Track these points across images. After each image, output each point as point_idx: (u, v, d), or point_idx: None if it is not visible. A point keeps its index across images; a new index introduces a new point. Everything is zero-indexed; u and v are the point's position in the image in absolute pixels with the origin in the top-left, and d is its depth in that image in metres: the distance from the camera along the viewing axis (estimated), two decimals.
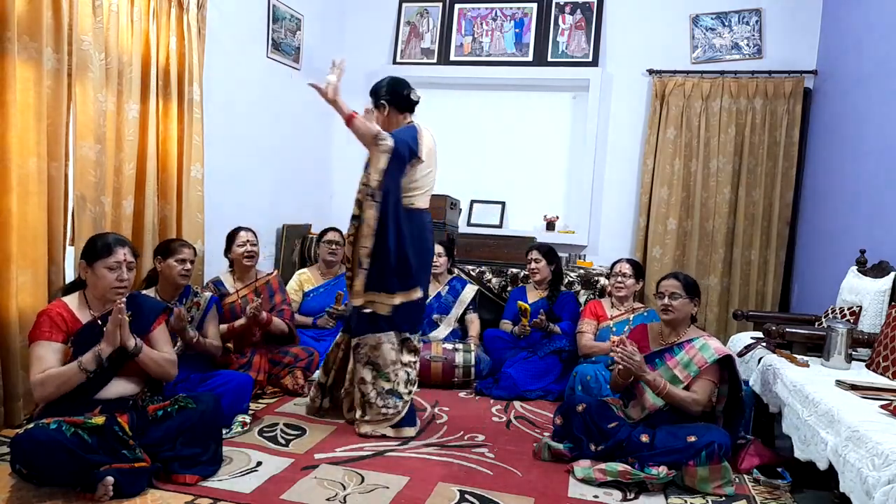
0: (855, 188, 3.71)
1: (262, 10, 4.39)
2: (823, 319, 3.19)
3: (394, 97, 2.89)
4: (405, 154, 2.71)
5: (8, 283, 2.56)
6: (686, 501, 2.36)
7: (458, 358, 3.69)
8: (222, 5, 3.90)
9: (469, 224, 5.15)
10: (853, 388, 2.32)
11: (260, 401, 3.22)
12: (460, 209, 4.89)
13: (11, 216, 2.55)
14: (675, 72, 4.79)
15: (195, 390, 2.67)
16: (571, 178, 5.19)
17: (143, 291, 2.86)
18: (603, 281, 4.35)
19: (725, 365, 2.65)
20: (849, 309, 3.08)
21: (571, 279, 4.47)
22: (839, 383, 2.38)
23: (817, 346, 2.82)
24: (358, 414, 2.85)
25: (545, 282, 4.00)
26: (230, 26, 4.05)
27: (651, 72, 4.84)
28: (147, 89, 3.25)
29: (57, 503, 2.04)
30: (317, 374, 3.53)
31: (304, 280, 4.04)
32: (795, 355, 2.81)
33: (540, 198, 5.18)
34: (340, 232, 3.87)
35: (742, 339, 3.45)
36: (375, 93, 2.92)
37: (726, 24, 4.76)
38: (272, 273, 3.60)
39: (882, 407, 2.09)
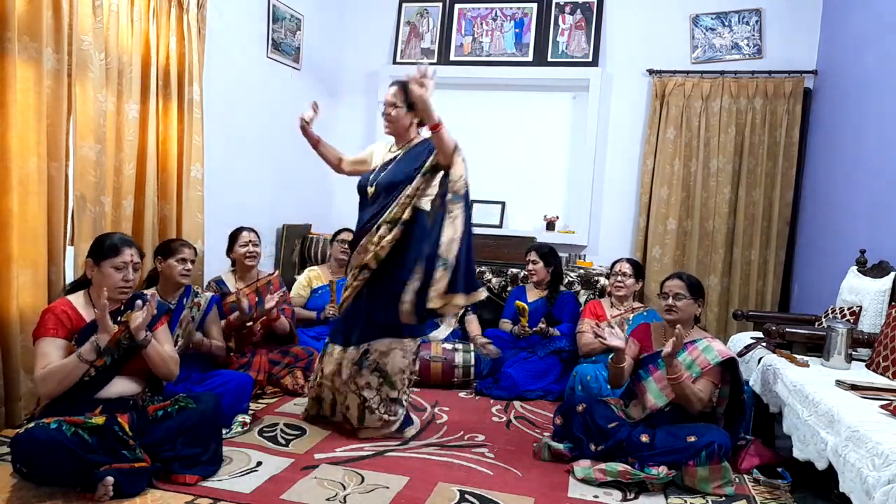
0: (855, 188, 3.71)
1: (262, 10, 4.39)
2: (823, 319, 3.19)
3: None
4: None
5: (9, 283, 2.56)
6: (686, 501, 2.36)
7: (458, 358, 3.69)
8: (222, 5, 3.90)
9: None
10: (853, 388, 2.32)
11: (260, 401, 3.22)
12: None
13: (12, 216, 2.55)
14: (675, 72, 4.79)
15: (195, 390, 2.68)
16: (571, 178, 5.19)
17: (144, 291, 2.86)
18: (603, 281, 4.35)
19: (728, 367, 2.65)
20: (849, 309, 3.08)
21: (571, 279, 4.47)
22: (839, 383, 2.38)
23: (817, 346, 2.82)
24: (355, 423, 2.80)
25: (544, 282, 4.00)
26: (230, 26, 4.05)
27: (651, 72, 4.84)
28: (147, 89, 3.25)
29: (57, 503, 2.04)
30: None
31: (314, 277, 4.06)
32: (795, 355, 2.81)
33: (540, 198, 5.18)
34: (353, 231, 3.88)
35: (742, 339, 3.45)
36: (405, 89, 2.79)
37: (726, 24, 4.76)
38: (274, 273, 3.61)
39: (882, 407, 2.10)
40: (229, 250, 3.49)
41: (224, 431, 2.58)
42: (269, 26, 4.44)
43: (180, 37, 3.41)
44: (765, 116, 4.62)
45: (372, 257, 2.73)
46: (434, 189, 2.74)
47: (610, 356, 2.71)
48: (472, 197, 2.80)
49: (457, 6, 5.27)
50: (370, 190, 2.84)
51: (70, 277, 2.86)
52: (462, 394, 3.60)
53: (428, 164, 2.73)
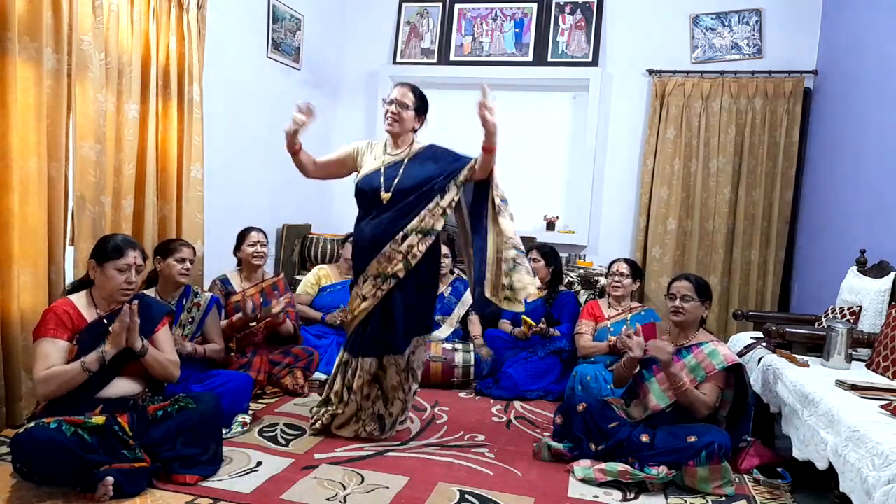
0: (855, 188, 3.71)
1: (262, 10, 4.39)
2: (823, 319, 3.19)
3: (425, 106, 2.92)
4: None
5: (10, 283, 2.56)
6: (686, 501, 2.36)
7: (458, 358, 3.69)
8: (222, 5, 3.89)
9: None
10: (853, 388, 2.32)
11: (260, 401, 3.21)
12: None
13: (13, 216, 2.55)
14: (675, 72, 4.79)
15: (195, 390, 2.68)
16: (571, 177, 5.19)
17: (144, 291, 2.86)
18: (603, 281, 4.35)
19: (733, 371, 2.65)
20: (849, 309, 3.08)
21: (571, 279, 4.47)
22: (839, 383, 2.38)
23: (817, 347, 2.82)
24: (388, 427, 2.81)
25: (543, 282, 4.00)
26: (230, 26, 4.05)
27: (651, 72, 4.84)
28: (147, 89, 3.25)
29: (57, 503, 2.04)
30: (317, 375, 3.55)
31: (323, 276, 4.08)
32: (795, 355, 2.80)
33: (540, 198, 5.18)
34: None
35: (742, 339, 3.45)
36: (422, 98, 2.90)
37: (726, 24, 4.76)
38: (279, 275, 3.62)
39: (882, 407, 2.10)
40: (237, 249, 3.50)
41: (224, 431, 2.58)
42: (269, 26, 4.44)
43: (180, 37, 3.41)
44: (765, 116, 4.62)
45: (402, 266, 2.71)
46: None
47: (611, 358, 2.69)
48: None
49: (457, 6, 5.27)
50: (385, 195, 2.75)
51: (70, 278, 2.86)
52: (462, 394, 3.60)
53: (462, 176, 2.76)
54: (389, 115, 2.81)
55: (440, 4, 5.28)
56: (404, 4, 5.37)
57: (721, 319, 4.70)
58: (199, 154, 3.57)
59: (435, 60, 5.27)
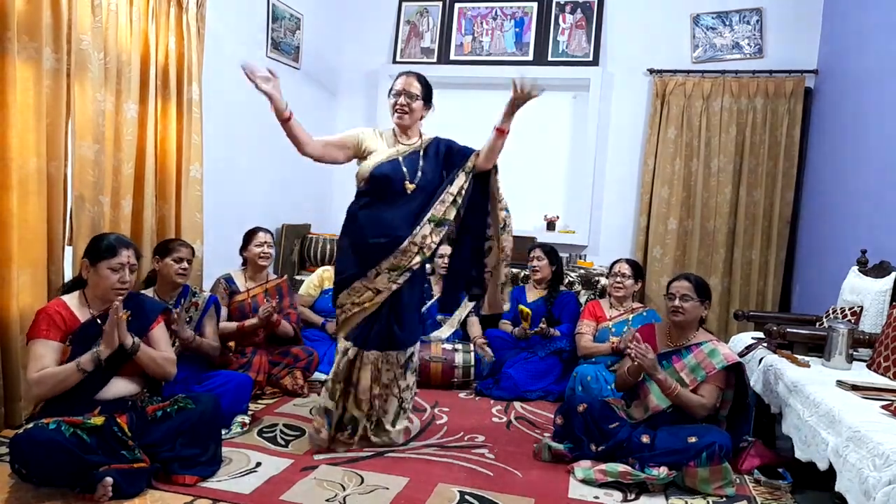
0: (856, 188, 3.70)
1: (261, 10, 4.38)
2: (824, 319, 3.19)
3: (430, 93, 2.88)
4: None
5: (9, 283, 2.55)
6: (686, 502, 2.35)
7: (458, 358, 3.68)
8: (222, 5, 3.89)
9: None
10: (854, 388, 2.31)
11: (259, 401, 3.21)
12: None
13: (12, 216, 2.55)
14: (675, 71, 4.78)
15: (194, 390, 2.67)
16: (571, 177, 5.18)
17: (142, 291, 2.85)
18: (603, 281, 4.34)
19: (733, 371, 2.64)
20: (850, 309, 3.07)
21: (572, 279, 4.47)
22: (840, 384, 2.37)
23: (818, 347, 2.81)
24: (389, 426, 2.73)
25: (545, 281, 4.00)
26: (230, 26, 4.04)
27: (652, 71, 4.84)
28: (146, 89, 3.24)
29: None
30: (316, 375, 3.54)
31: (326, 278, 4.08)
32: (796, 355, 2.80)
33: (540, 198, 5.17)
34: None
35: (743, 339, 3.44)
36: (428, 85, 2.83)
37: (727, 23, 4.76)
38: (283, 277, 3.63)
39: (883, 407, 2.09)
40: (243, 249, 3.49)
41: (223, 432, 2.57)
42: (268, 25, 4.44)
43: (179, 36, 3.40)
44: (766, 116, 4.62)
45: (419, 259, 2.67)
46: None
47: (624, 361, 2.68)
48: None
49: (457, 5, 5.26)
50: (410, 185, 2.67)
51: (69, 277, 2.85)
52: (462, 394, 3.60)
53: (469, 164, 2.78)
54: (398, 107, 2.71)
55: (440, 3, 5.28)
56: (404, 3, 5.36)
57: (722, 319, 4.70)
58: (198, 154, 3.56)
59: (435, 60, 5.26)
